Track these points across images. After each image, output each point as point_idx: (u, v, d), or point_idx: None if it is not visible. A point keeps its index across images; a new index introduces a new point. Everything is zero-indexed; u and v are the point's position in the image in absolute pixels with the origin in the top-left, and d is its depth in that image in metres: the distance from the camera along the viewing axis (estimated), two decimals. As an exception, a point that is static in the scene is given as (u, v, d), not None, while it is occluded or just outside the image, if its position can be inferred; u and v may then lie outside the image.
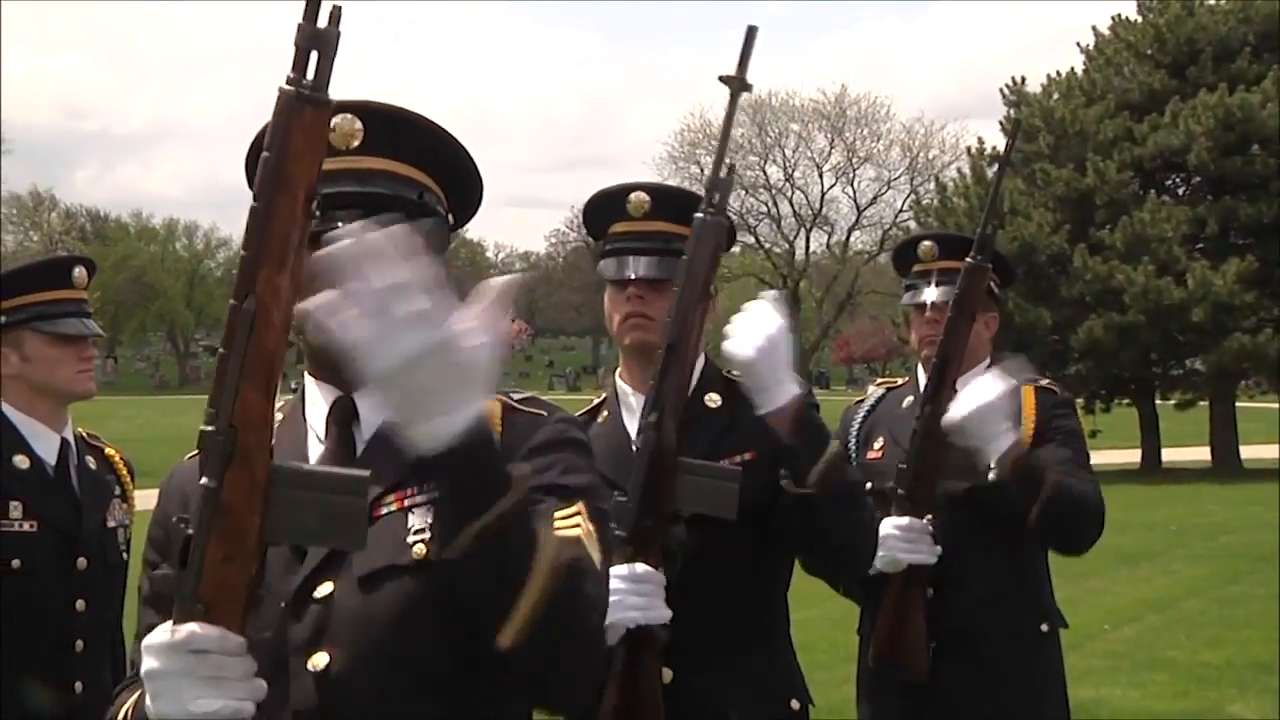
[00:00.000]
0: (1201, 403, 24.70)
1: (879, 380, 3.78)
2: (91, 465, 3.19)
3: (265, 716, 1.36)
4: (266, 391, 1.35)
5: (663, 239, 2.58)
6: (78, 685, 3.01)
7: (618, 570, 2.18)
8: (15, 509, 2.98)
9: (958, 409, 2.99)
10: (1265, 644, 8.12)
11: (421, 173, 1.68)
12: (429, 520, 1.52)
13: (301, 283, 1.34)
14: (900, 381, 3.61)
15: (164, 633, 1.33)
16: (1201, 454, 23.69)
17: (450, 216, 1.75)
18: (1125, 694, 7.26)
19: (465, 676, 1.50)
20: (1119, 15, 25.64)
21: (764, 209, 50.97)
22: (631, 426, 2.52)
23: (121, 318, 58.17)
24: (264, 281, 1.32)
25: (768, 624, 2.58)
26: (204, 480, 1.34)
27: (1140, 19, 25.21)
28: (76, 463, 3.15)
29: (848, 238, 52.56)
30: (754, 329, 2.38)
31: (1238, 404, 24.93)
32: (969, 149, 27.56)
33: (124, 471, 3.30)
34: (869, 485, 3.16)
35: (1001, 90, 26.90)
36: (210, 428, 1.34)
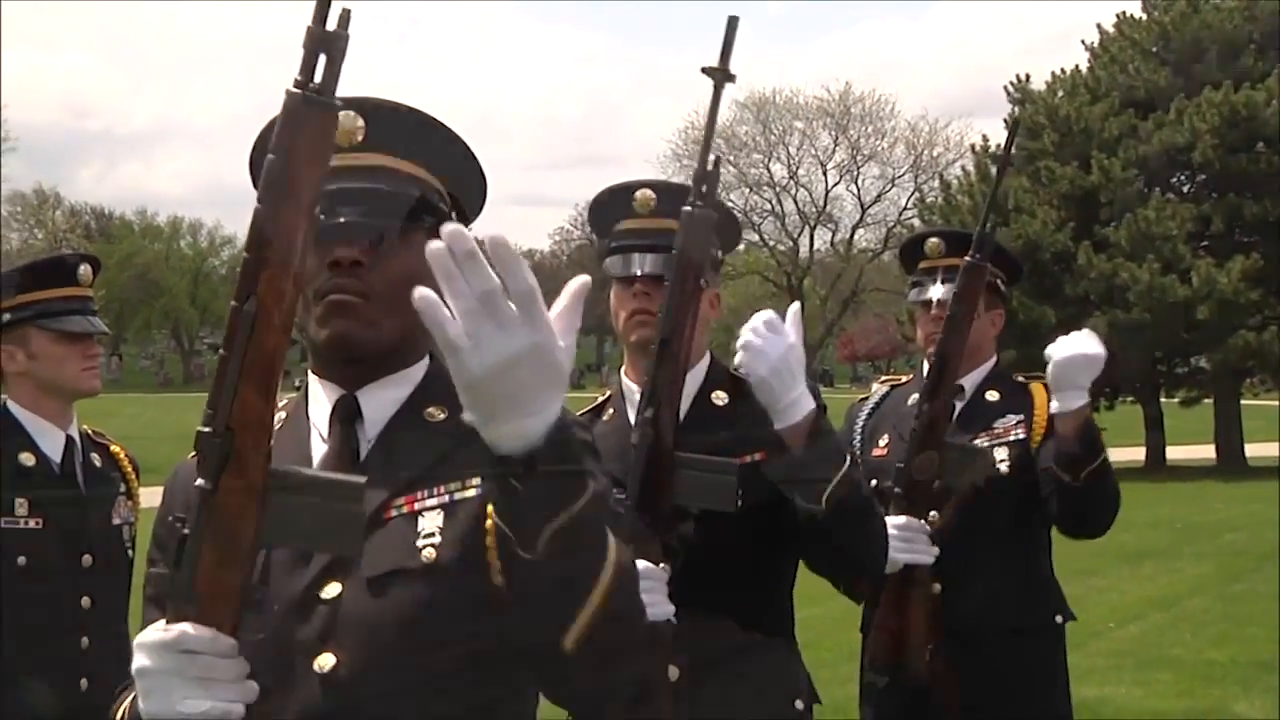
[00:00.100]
0: (1206, 400, 24.66)
1: (883, 378, 3.78)
2: (97, 462, 3.20)
3: (269, 717, 1.36)
4: (265, 394, 1.34)
5: (669, 236, 2.57)
6: (84, 682, 3.02)
7: None
8: (21, 506, 2.99)
9: (1059, 349, 3.01)
10: (1270, 642, 8.10)
11: (424, 170, 1.68)
12: (439, 524, 1.51)
13: (304, 285, 1.34)
14: (905, 379, 3.61)
15: (156, 631, 1.33)
16: (1206, 452, 23.66)
17: (454, 214, 1.75)
18: (1129, 692, 7.25)
19: (472, 679, 1.50)
20: (1124, 12, 25.61)
21: (768, 206, 50.96)
22: None
23: (126, 315, 58.24)
24: (266, 283, 1.32)
25: (772, 623, 2.58)
26: (199, 482, 1.34)
27: (1145, 16, 25.17)
28: (82, 460, 3.16)
29: (852, 235, 52.53)
30: (767, 345, 2.37)
31: (1242, 401, 24.90)
32: (973, 146, 27.55)
33: (129, 469, 3.31)
34: (873, 482, 3.16)
35: (1006, 88, 26.88)
36: (207, 429, 1.33)
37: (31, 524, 3.00)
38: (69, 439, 3.15)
